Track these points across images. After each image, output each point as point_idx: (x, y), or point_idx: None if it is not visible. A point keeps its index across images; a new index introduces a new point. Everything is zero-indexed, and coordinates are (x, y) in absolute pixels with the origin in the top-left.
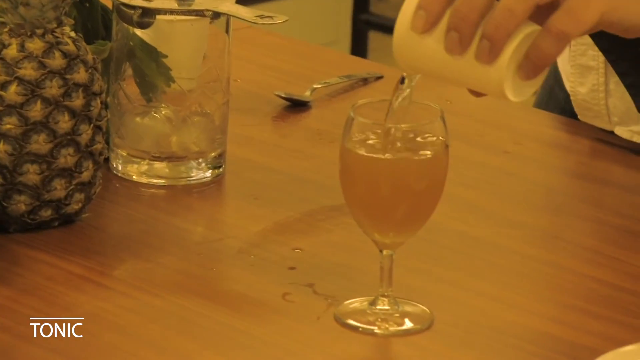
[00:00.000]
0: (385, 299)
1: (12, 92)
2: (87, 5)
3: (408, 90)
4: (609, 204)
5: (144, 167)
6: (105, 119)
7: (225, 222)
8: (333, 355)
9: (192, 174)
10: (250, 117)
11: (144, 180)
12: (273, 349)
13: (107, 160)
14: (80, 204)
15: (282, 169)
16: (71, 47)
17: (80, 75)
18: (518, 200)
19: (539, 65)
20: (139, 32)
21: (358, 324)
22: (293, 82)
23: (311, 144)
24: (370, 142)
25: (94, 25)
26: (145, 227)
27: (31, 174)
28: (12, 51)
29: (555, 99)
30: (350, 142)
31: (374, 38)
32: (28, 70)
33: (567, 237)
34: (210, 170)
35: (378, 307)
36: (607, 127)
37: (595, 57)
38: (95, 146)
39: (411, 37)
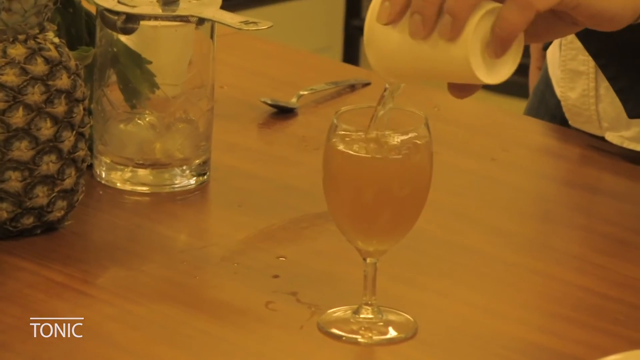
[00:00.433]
0: (369, 308)
1: None
2: (71, 10)
3: (390, 101)
4: (598, 211)
5: (128, 174)
6: (88, 125)
7: (209, 230)
8: None
9: (176, 181)
10: (236, 124)
11: (127, 187)
12: (256, 358)
13: (90, 167)
14: (62, 212)
15: (267, 176)
16: (53, 53)
17: (63, 81)
18: (505, 207)
19: (506, 39)
20: (123, 38)
21: (341, 333)
22: (279, 89)
23: (296, 150)
24: (354, 145)
25: (78, 30)
26: (129, 235)
27: (13, 181)
28: None
29: (546, 105)
30: (333, 145)
31: None
32: (10, 77)
33: (554, 245)
34: (195, 178)
35: (362, 315)
36: (598, 132)
37: (585, 62)
38: (77, 153)
39: (379, 31)
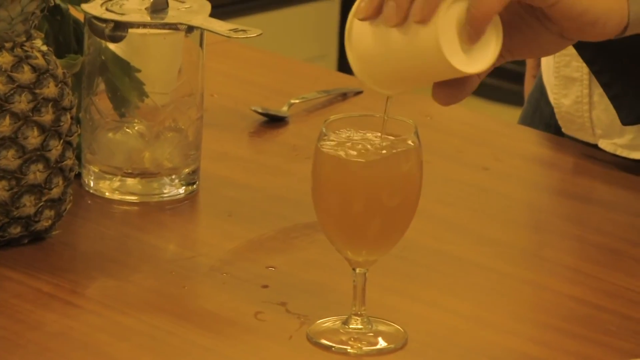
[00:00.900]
0: (359, 318)
1: None
2: (59, 18)
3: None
4: (590, 221)
5: (116, 184)
6: (76, 134)
7: (198, 240)
8: None
9: (165, 191)
10: (226, 133)
11: (116, 196)
12: None
13: (79, 176)
14: (50, 221)
15: (257, 186)
16: (41, 61)
17: (50, 89)
18: (497, 217)
19: (480, 20)
20: (111, 46)
21: (331, 344)
22: (270, 97)
23: (287, 160)
24: (343, 152)
25: (66, 38)
26: (117, 245)
27: (0, 190)
28: None
29: (541, 114)
30: (322, 152)
31: None
32: None
33: (546, 255)
34: (184, 187)
35: (351, 326)
36: (591, 140)
37: (579, 68)
38: (65, 162)
39: (357, 29)
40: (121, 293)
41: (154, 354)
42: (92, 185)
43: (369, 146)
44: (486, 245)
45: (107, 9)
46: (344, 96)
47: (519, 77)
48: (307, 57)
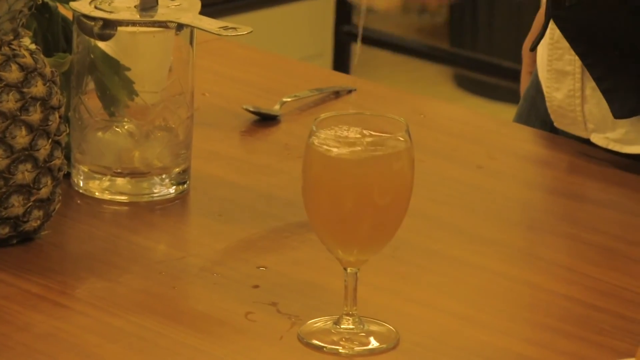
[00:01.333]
0: (350, 318)
1: None
2: (47, 16)
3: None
4: (585, 220)
5: (106, 183)
6: (65, 133)
7: (188, 240)
8: None
9: (155, 190)
10: (217, 132)
11: (106, 196)
12: None
13: (68, 176)
14: (38, 221)
15: (248, 185)
16: (28, 60)
17: (38, 88)
18: (491, 216)
19: None
20: (101, 44)
21: (322, 344)
22: (262, 96)
23: (279, 159)
24: (333, 149)
25: (55, 37)
26: (107, 245)
27: None
28: None
29: (537, 111)
30: (312, 150)
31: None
32: None
33: (540, 254)
34: (174, 187)
35: (342, 326)
36: (583, 134)
37: (571, 61)
38: (54, 162)
39: None
40: (111, 294)
41: (143, 355)
42: (81, 185)
43: (359, 144)
44: (480, 244)
45: (95, 7)
46: (336, 94)
47: (517, 75)
48: (302, 56)
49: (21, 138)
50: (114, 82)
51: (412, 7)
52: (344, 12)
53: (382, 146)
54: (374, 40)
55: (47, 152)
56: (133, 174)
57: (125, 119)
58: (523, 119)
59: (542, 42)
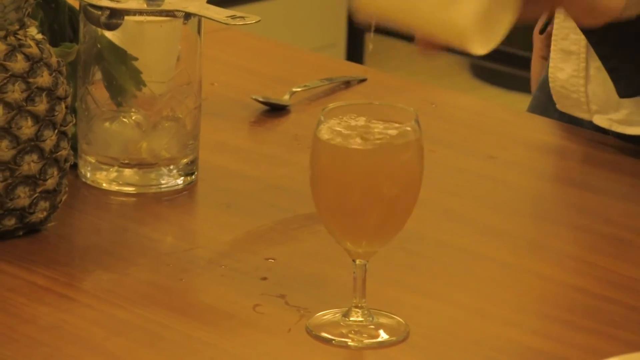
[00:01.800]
0: (359, 310)
1: None
2: (53, 6)
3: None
4: (596, 211)
5: (113, 174)
6: (71, 124)
7: (195, 232)
8: None
9: (163, 182)
10: (226, 122)
11: (113, 187)
12: None
13: (75, 167)
14: (45, 213)
15: (257, 176)
16: (34, 50)
17: (44, 79)
18: (501, 207)
19: None
20: (107, 34)
21: (331, 337)
22: (271, 86)
23: (288, 149)
24: (341, 139)
25: (61, 26)
26: (113, 237)
27: None
28: None
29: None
30: (320, 139)
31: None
32: None
33: (551, 245)
34: (182, 178)
35: (351, 318)
36: (586, 116)
37: (577, 41)
38: (60, 152)
39: None
40: (117, 286)
41: (149, 348)
42: (88, 176)
43: (368, 134)
44: (490, 235)
45: None
46: (347, 84)
47: (527, 63)
48: (315, 46)
49: (27, 129)
50: (121, 72)
51: None
52: None
53: (391, 136)
54: (388, 29)
55: (53, 143)
56: (140, 164)
57: (133, 110)
58: (540, 109)
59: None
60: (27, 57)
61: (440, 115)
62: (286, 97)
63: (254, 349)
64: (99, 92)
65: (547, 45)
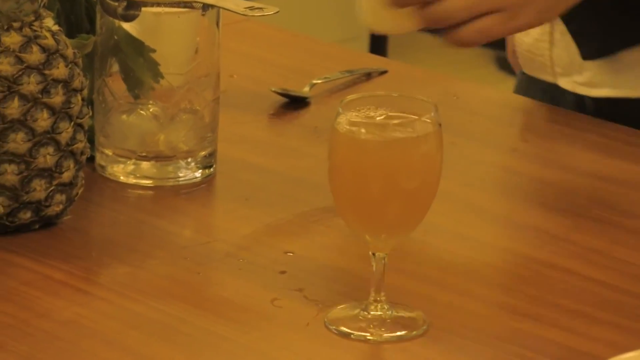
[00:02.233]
0: (378, 304)
1: None
2: None
3: None
4: (620, 203)
5: (130, 167)
6: (87, 116)
7: (213, 225)
8: None
9: (181, 174)
10: (246, 114)
11: (130, 180)
12: (259, 357)
13: (92, 160)
14: (61, 206)
15: (275, 169)
16: (50, 41)
17: (60, 70)
18: (523, 200)
19: None
20: (125, 25)
21: (350, 331)
22: (291, 78)
23: (308, 142)
24: (360, 130)
25: (78, 18)
26: (130, 230)
27: (9, 174)
28: None
29: (537, 81)
30: (338, 131)
31: None
32: (4, 66)
33: (574, 238)
34: (200, 171)
35: (371, 312)
36: (551, 79)
37: None
38: (76, 145)
39: None
40: (134, 280)
41: (165, 342)
42: (105, 169)
43: (386, 126)
44: (511, 228)
45: None
46: (368, 76)
47: None
48: (337, 39)
49: (42, 121)
50: (139, 64)
51: None
52: None
53: (409, 128)
54: None
55: (70, 136)
56: (158, 157)
57: (150, 102)
58: (523, 90)
59: None
60: (43, 49)
61: (462, 107)
62: (306, 89)
63: (271, 343)
64: (116, 84)
65: None
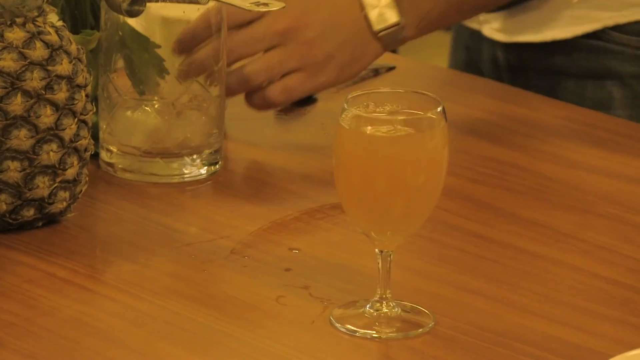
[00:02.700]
0: (384, 302)
1: None
2: None
3: None
4: (629, 200)
5: (135, 164)
6: (91, 112)
7: (219, 222)
8: None
9: (186, 171)
10: (252, 111)
11: (135, 177)
12: (264, 355)
13: (96, 156)
14: (64, 203)
15: (282, 165)
16: (53, 37)
17: (63, 66)
18: (530, 196)
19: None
20: (130, 21)
21: (355, 328)
22: None
23: (315, 139)
24: (366, 126)
25: (82, 13)
26: (135, 228)
27: (12, 171)
28: None
29: (461, 36)
30: (343, 127)
31: None
32: (7, 62)
33: (581, 235)
34: (206, 167)
35: (376, 310)
36: (477, 27)
37: None
38: (80, 142)
39: None
40: (138, 277)
41: (170, 340)
42: (110, 166)
43: (392, 122)
44: (517, 225)
45: None
46: (375, 72)
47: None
48: None
49: (46, 117)
50: (144, 60)
51: None
52: None
53: (415, 124)
54: None
55: (73, 132)
56: (163, 154)
57: (155, 98)
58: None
59: None
60: (47, 45)
61: (469, 104)
62: None
63: (277, 340)
64: (121, 80)
65: None
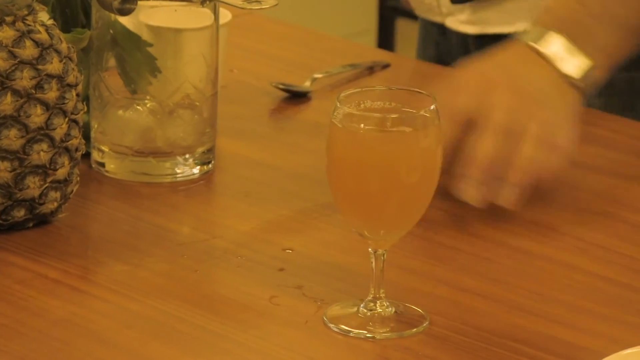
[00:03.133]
0: (378, 301)
1: None
2: None
3: None
4: (624, 198)
5: (127, 164)
6: (82, 112)
7: (212, 222)
8: None
9: (179, 171)
10: (246, 109)
11: (127, 177)
12: (257, 355)
13: (88, 156)
14: (55, 203)
15: (276, 165)
16: (44, 36)
17: (54, 65)
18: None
19: None
20: (121, 19)
21: (349, 328)
22: (292, 72)
23: (309, 137)
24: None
25: (73, 12)
26: (127, 228)
27: (2, 171)
28: None
29: (430, 34)
30: (336, 125)
31: (402, 25)
32: None
33: (577, 233)
34: (198, 167)
35: (370, 310)
36: (439, 19)
37: None
38: (71, 141)
39: None
40: (130, 278)
41: (162, 340)
42: (101, 165)
43: (385, 120)
44: (512, 223)
45: None
46: (370, 70)
47: None
48: (345, 33)
49: (36, 117)
50: (136, 59)
51: None
52: None
53: (409, 122)
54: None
55: (64, 132)
56: (155, 153)
57: (148, 97)
58: (421, 52)
59: None
60: (37, 43)
61: None
62: (307, 83)
63: (270, 341)
64: (112, 79)
65: None
